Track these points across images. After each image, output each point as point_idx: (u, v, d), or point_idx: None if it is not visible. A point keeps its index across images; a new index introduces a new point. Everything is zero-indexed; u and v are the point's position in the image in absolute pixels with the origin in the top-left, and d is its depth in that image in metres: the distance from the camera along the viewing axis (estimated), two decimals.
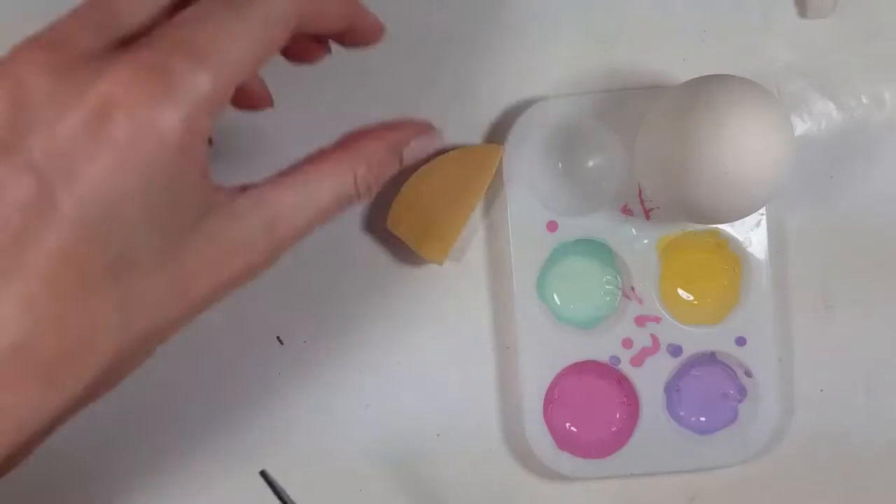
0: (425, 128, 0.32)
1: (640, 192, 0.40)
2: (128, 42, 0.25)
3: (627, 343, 0.40)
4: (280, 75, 0.41)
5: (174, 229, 0.25)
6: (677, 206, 0.36)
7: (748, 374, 0.41)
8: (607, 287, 0.41)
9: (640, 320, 0.40)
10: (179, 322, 0.26)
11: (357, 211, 0.41)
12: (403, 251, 0.41)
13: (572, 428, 0.41)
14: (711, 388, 0.41)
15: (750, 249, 0.40)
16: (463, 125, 0.41)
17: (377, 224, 0.41)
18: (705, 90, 0.34)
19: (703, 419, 0.41)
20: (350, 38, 0.32)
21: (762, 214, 0.40)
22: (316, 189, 0.28)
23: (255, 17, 0.26)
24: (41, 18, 0.26)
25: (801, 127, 0.41)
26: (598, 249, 0.40)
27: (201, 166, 0.25)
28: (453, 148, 0.40)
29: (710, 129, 0.33)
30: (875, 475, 0.42)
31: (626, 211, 0.40)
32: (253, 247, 0.27)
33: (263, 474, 0.33)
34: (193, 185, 0.25)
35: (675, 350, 0.40)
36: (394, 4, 0.41)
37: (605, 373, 0.41)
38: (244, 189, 0.27)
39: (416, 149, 0.31)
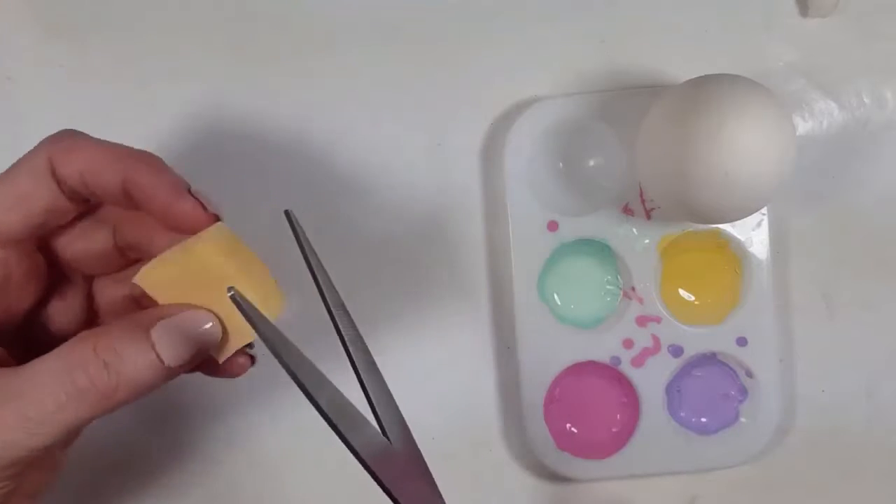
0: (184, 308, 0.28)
1: (640, 192, 0.40)
2: None
3: (628, 343, 0.40)
4: (277, 74, 0.41)
5: None
6: (678, 206, 0.36)
7: (749, 374, 0.41)
8: (608, 287, 0.41)
9: (641, 320, 0.40)
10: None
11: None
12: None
13: (572, 428, 0.41)
14: (712, 389, 0.41)
15: (751, 249, 0.40)
16: (463, 125, 0.41)
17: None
18: (705, 90, 0.34)
19: (703, 420, 0.41)
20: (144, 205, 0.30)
21: (763, 214, 0.40)
22: (48, 379, 0.27)
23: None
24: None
25: (801, 127, 0.41)
26: (598, 249, 0.40)
27: None
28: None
29: (711, 129, 0.33)
30: (875, 475, 0.42)
31: (627, 211, 0.40)
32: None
33: (288, 214, 0.29)
34: None
35: (676, 350, 0.40)
36: (394, 4, 0.41)
37: (606, 373, 0.41)
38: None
39: (173, 338, 0.27)
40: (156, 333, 0.27)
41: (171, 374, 0.28)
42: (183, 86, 0.41)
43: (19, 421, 0.26)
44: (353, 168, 0.41)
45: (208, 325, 0.28)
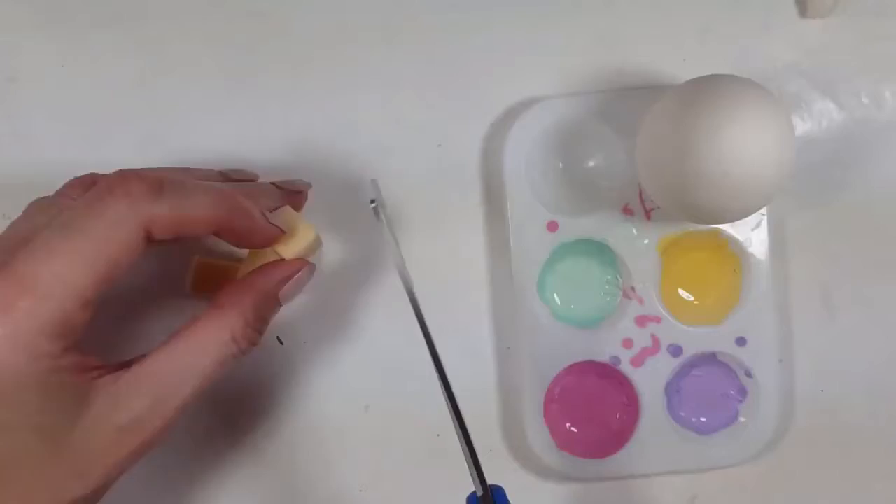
0: (298, 266, 0.34)
1: (640, 192, 0.40)
2: None
3: (628, 343, 0.40)
4: (277, 74, 0.41)
5: (50, 427, 0.27)
6: (678, 206, 0.36)
7: (748, 374, 0.41)
8: (607, 287, 0.41)
9: (641, 320, 0.40)
10: (87, 501, 0.28)
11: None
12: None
13: (572, 428, 0.41)
14: (712, 389, 0.41)
15: (750, 250, 0.40)
16: (463, 125, 0.41)
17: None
18: (705, 90, 0.34)
19: (703, 419, 0.41)
20: (236, 241, 0.33)
21: (763, 215, 0.40)
22: (199, 356, 0.30)
23: (85, 239, 0.28)
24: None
25: (801, 127, 0.41)
26: (598, 249, 0.40)
27: (58, 371, 0.27)
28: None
29: (711, 129, 0.33)
30: (875, 475, 0.42)
31: (627, 211, 0.40)
32: (142, 426, 0.29)
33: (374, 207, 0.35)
34: (55, 387, 0.27)
35: (676, 350, 0.40)
36: (394, 4, 0.41)
37: (606, 373, 0.41)
38: (129, 365, 0.29)
39: (292, 290, 0.34)
40: (282, 296, 0.34)
41: None
42: (183, 86, 0.41)
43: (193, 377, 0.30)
44: (353, 168, 0.41)
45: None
